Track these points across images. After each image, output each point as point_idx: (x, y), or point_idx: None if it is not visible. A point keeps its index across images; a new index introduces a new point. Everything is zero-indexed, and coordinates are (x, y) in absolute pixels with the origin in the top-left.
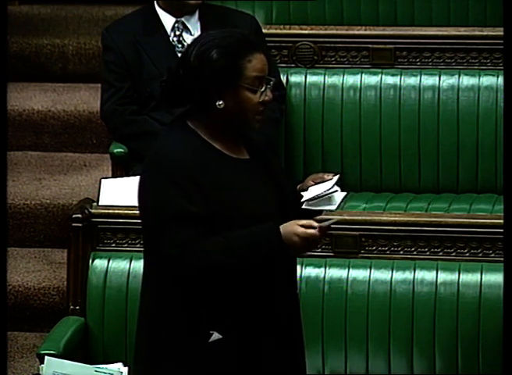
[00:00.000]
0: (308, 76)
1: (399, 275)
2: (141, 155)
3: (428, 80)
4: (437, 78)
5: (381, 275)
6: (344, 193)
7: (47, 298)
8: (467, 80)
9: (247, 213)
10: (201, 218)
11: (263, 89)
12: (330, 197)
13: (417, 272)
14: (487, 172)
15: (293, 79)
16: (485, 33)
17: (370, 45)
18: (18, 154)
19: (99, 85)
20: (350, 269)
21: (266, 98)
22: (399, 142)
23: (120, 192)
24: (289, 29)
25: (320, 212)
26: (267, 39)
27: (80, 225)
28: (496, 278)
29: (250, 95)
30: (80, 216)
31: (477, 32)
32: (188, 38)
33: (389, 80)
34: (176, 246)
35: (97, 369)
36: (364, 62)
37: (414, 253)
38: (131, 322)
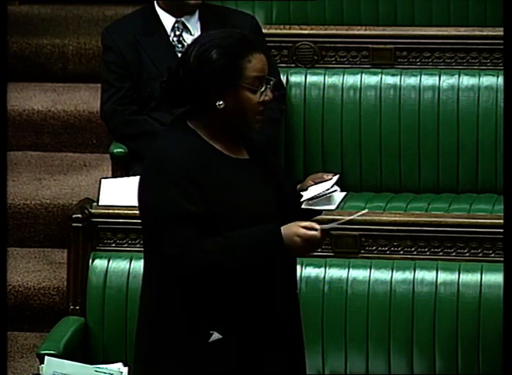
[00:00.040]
0: (308, 76)
1: (399, 275)
2: (141, 155)
3: (428, 80)
4: (437, 78)
5: (381, 275)
6: (344, 193)
7: (47, 298)
8: (467, 80)
9: (247, 213)
10: (201, 218)
11: (263, 89)
12: (330, 196)
13: (417, 272)
14: (487, 172)
15: (293, 79)
16: (485, 33)
17: (370, 45)
18: (18, 154)
19: (99, 85)
20: (350, 269)
21: (266, 98)
22: (399, 142)
23: (120, 192)
24: (289, 29)
25: (320, 211)
26: (267, 39)
27: (80, 225)
28: (495, 278)
29: (250, 95)
30: (79, 216)
31: (477, 32)
32: (188, 38)
33: (389, 80)
34: (176, 246)
35: (97, 369)
36: (364, 62)
37: (414, 253)
38: (131, 322)
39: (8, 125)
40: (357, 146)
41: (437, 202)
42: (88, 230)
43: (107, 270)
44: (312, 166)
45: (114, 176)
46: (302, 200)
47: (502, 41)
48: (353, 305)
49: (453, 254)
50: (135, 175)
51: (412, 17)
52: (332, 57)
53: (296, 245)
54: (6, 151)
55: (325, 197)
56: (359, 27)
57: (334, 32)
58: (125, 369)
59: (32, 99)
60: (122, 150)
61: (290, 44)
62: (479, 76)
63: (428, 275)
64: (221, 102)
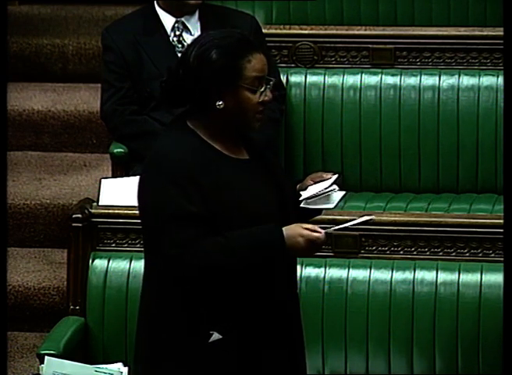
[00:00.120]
0: (308, 76)
1: (399, 275)
2: (141, 155)
3: (428, 80)
4: (437, 78)
5: (381, 275)
6: (343, 192)
7: (47, 298)
8: (467, 80)
9: (247, 213)
10: (201, 218)
11: (263, 89)
12: (329, 196)
13: (417, 272)
14: (487, 172)
15: (293, 79)
16: (485, 33)
17: (370, 45)
18: (18, 154)
19: (99, 85)
20: (350, 269)
21: (266, 98)
22: (399, 142)
23: (120, 192)
24: (289, 29)
25: (319, 211)
26: (267, 39)
27: (80, 225)
28: (496, 278)
29: (250, 95)
30: (79, 216)
31: (477, 32)
32: (188, 38)
33: (389, 80)
34: (176, 246)
35: (97, 369)
36: (364, 62)
37: (414, 253)
38: (131, 322)
39: (8, 125)
40: (357, 146)
41: (437, 202)
42: (88, 230)
43: (107, 270)
44: (312, 166)
45: (114, 176)
46: (300, 199)
47: (502, 41)
48: (353, 305)
49: (453, 254)
50: (135, 175)
51: (412, 17)
52: (332, 57)
53: (299, 246)
54: (6, 151)
55: (324, 196)
56: (359, 27)
57: (334, 32)
58: (125, 369)
59: (32, 99)
60: (122, 150)
61: (290, 44)
62: (479, 76)
63: (428, 275)
64: (220, 102)
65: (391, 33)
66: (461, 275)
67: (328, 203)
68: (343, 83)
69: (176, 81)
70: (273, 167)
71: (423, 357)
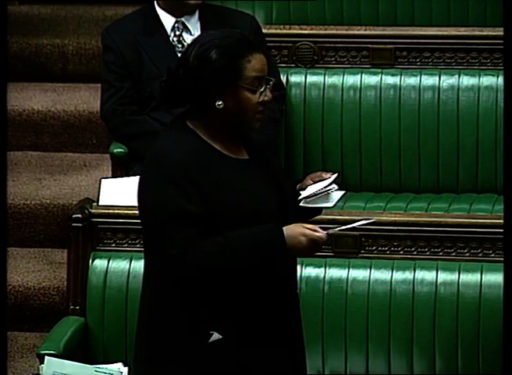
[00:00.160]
0: (308, 76)
1: (399, 275)
2: (141, 155)
3: (428, 80)
4: (437, 78)
5: (381, 275)
6: (343, 191)
7: (47, 298)
8: (467, 80)
9: (247, 213)
10: (201, 218)
11: (262, 89)
12: (328, 195)
13: (417, 272)
14: (487, 172)
15: (293, 79)
16: (485, 33)
17: (370, 45)
18: (18, 154)
19: (99, 85)
20: (350, 269)
21: (266, 98)
22: (399, 142)
23: (120, 192)
24: (289, 29)
25: (319, 211)
26: (267, 39)
27: (80, 225)
28: (496, 278)
29: (250, 95)
30: (79, 216)
31: (477, 32)
32: (188, 38)
33: (389, 80)
34: (176, 246)
35: (97, 369)
36: (364, 62)
37: (414, 253)
38: (131, 322)
39: (8, 125)
40: (357, 146)
41: (437, 202)
42: (88, 230)
43: (107, 270)
44: (312, 166)
45: (114, 176)
46: (299, 198)
47: (502, 41)
48: (353, 305)
49: (453, 254)
50: (135, 175)
51: (412, 17)
52: (332, 57)
53: (301, 246)
54: (6, 151)
55: (323, 195)
56: (359, 27)
57: (334, 32)
58: (125, 369)
59: (32, 99)
60: (122, 150)
61: (290, 44)
62: (479, 76)
63: (428, 275)
64: (220, 102)
65: (391, 33)
66: (461, 275)
67: (327, 202)
68: (343, 83)
69: (175, 81)
70: (273, 167)
71: (423, 357)
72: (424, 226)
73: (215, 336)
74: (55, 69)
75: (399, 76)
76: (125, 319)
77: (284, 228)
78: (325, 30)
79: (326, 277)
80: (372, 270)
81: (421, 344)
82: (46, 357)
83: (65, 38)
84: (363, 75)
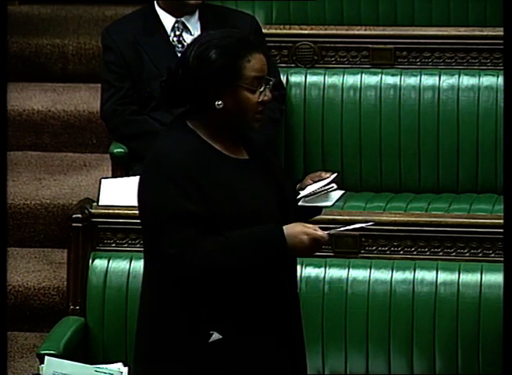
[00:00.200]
0: (308, 76)
1: (399, 275)
2: (141, 155)
3: (428, 80)
4: (437, 78)
5: (381, 275)
6: (342, 191)
7: (47, 298)
8: (467, 80)
9: (247, 213)
10: (201, 218)
11: (262, 89)
12: (327, 194)
13: (417, 272)
14: (487, 172)
15: (293, 79)
16: (485, 33)
17: (370, 45)
18: (18, 154)
19: (99, 85)
20: (350, 269)
21: (265, 98)
22: (399, 142)
23: (120, 192)
24: (289, 29)
25: (319, 211)
26: (267, 39)
27: (80, 225)
28: (496, 278)
29: (249, 95)
30: (79, 216)
31: (477, 32)
32: (188, 38)
33: (389, 80)
34: (176, 246)
35: (97, 369)
36: (364, 62)
37: (414, 253)
38: (131, 322)
39: (8, 125)
40: (357, 146)
41: (437, 202)
42: (88, 230)
43: (107, 270)
44: (312, 166)
45: (114, 176)
46: (298, 197)
47: (502, 41)
48: (353, 305)
49: (453, 254)
50: (135, 175)
51: (412, 17)
52: (332, 57)
53: (302, 245)
54: (6, 151)
55: (322, 194)
56: (359, 27)
57: (334, 32)
58: (125, 369)
59: (32, 99)
60: (122, 150)
61: (290, 44)
62: (479, 76)
63: (428, 275)
64: (220, 102)
65: (391, 33)
66: (461, 275)
67: (325, 201)
68: (343, 83)
69: (175, 81)
70: (273, 167)
71: (423, 357)
72: (424, 226)
73: (215, 336)
74: (55, 69)
75: (399, 76)
76: (125, 319)
77: (284, 227)
78: (325, 30)
79: (326, 277)
80: (372, 270)
81: (421, 344)
82: (46, 357)
83: (65, 38)
84: (363, 75)
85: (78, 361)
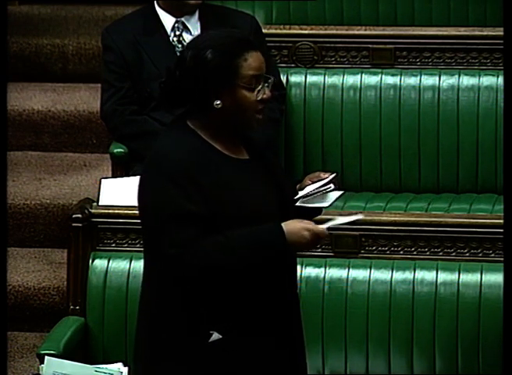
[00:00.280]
0: (308, 76)
1: (399, 275)
2: (141, 155)
3: (428, 80)
4: (437, 78)
5: (381, 275)
6: (341, 191)
7: (47, 298)
8: (467, 80)
9: (247, 213)
10: (201, 218)
11: (260, 87)
12: (325, 194)
13: (417, 272)
14: (487, 172)
15: (293, 79)
16: (485, 33)
17: (370, 45)
18: (18, 154)
19: (99, 85)
20: (350, 269)
21: (264, 96)
22: (399, 142)
23: (120, 192)
24: (289, 29)
25: (318, 210)
26: (267, 39)
27: (80, 225)
28: (496, 278)
29: (248, 94)
30: (79, 216)
31: (477, 32)
32: (188, 38)
33: (389, 80)
34: (176, 246)
35: (97, 369)
36: (364, 62)
37: (414, 253)
38: (131, 322)
39: (8, 125)
40: (357, 146)
41: (437, 202)
42: (88, 230)
43: (107, 270)
44: (312, 166)
45: (114, 176)
46: (296, 198)
47: (502, 41)
48: (353, 305)
49: (453, 254)
50: (135, 175)
51: (412, 17)
52: (332, 57)
53: (304, 240)
54: (6, 151)
55: (320, 194)
56: (359, 27)
57: (334, 32)
58: (125, 369)
59: (32, 99)
60: (122, 150)
61: (290, 44)
62: (479, 76)
63: (428, 275)
64: (218, 102)
65: (391, 33)
66: (461, 275)
67: (323, 202)
68: (343, 83)
69: (174, 82)
70: (273, 167)
71: (423, 357)
72: (424, 226)
73: (215, 336)
74: (55, 69)
75: (399, 76)
76: (125, 319)
77: (283, 224)
78: (325, 30)
79: (326, 277)
80: (372, 270)
81: (421, 344)
82: (46, 357)
83: (65, 38)
84: (363, 75)
85: (78, 361)
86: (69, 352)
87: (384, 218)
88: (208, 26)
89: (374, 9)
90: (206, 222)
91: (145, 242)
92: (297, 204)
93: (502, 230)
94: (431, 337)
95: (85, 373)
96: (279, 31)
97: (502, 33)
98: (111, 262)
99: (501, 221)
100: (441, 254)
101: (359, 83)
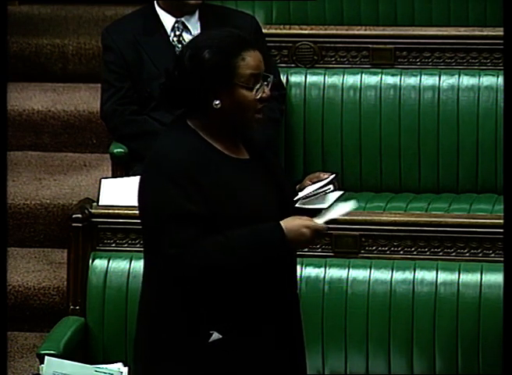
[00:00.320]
0: (308, 76)
1: (399, 275)
2: (141, 155)
3: (428, 80)
4: (437, 78)
5: (381, 275)
6: (340, 192)
7: (47, 298)
8: (467, 80)
9: (247, 213)
10: (201, 218)
11: (259, 86)
12: (324, 195)
13: (417, 272)
14: (487, 172)
15: (293, 79)
16: (485, 33)
17: (370, 45)
18: (18, 154)
19: (99, 85)
20: (350, 269)
21: (263, 95)
22: (399, 142)
23: (120, 192)
24: (289, 29)
25: (312, 210)
26: (267, 39)
27: (80, 225)
28: (496, 278)
29: (246, 93)
30: (79, 216)
31: (477, 32)
32: (188, 38)
33: (389, 80)
34: (176, 246)
35: (97, 369)
36: (364, 62)
37: (414, 253)
38: (131, 322)
39: (8, 125)
40: (357, 146)
41: (437, 202)
42: (88, 230)
43: (107, 270)
44: (312, 166)
45: (114, 176)
46: (295, 199)
47: (502, 41)
48: (353, 305)
49: (453, 254)
50: (135, 175)
51: (412, 17)
52: (332, 57)
53: (304, 237)
54: (6, 151)
55: (320, 196)
56: (359, 27)
57: (334, 32)
58: (125, 369)
59: (32, 99)
60: (122, 150)
61: (290, 44)
62: (479, 76)
63: (428, 275)
64: (217, 102)
65: (391, 33)
66: (461, 275)
67: (322, 203)
68: (343, 83)
69: (172, 82)
70: (273, 167)
71: (423, 357)
72: (424, 226)
73: (215, 336)
74: (55, 69)
75: (399, 76)
76: (125, 319)
77: (282, 222)
78: (325, 30)
79: (326, 277)
80: (372, 270)
81: (421, 344)
82: (46, 357)
83: (65, 38)
84: (363, 75)
85: (78, 361)
86: (69, 352)
87: (384, 218)
88: (208, 26)
89: (374, 9)
90: (206, 222)
91: (145, 242)
92: (297, 205)
93: (502, 230)
94: (431, 337)
95: (85, 373)
96: (279, 31)
97: (502, 33)
98: (111, 262)
99: (501, 221)
100: (441, 254)
101: (359, 83)
